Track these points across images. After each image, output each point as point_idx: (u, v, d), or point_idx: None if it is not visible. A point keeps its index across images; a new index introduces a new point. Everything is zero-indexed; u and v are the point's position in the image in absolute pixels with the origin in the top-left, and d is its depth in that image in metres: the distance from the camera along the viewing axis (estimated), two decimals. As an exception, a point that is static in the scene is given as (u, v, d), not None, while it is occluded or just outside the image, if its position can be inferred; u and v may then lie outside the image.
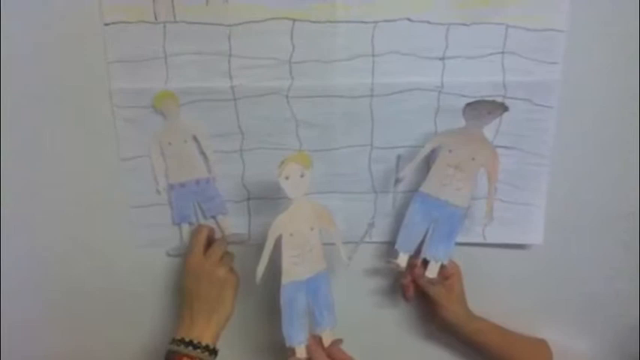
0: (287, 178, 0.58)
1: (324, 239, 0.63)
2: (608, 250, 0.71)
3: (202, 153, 0.68)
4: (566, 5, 0.63)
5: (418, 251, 0.66)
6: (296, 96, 0.66)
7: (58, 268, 0.71)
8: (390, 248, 0.69)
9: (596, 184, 0.69)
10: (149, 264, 0.71)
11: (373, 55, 0.65)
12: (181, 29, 0.63)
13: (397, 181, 0.68)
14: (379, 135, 0.67)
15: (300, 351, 0.61)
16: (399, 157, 0.67)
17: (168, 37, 0.64)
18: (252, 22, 0.63)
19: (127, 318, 0.73)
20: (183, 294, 0.64)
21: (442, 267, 0.66)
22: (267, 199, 0.69)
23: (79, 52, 0.64)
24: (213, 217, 0.70)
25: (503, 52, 0.65)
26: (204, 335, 0.61)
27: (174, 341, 0.61)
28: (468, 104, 0.61)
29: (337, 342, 0.64)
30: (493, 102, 0.60)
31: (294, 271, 0.61)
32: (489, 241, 0.70)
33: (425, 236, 0.66)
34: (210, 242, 0.67)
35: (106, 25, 0.63)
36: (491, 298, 0.70)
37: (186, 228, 0.70)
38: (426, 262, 0.66)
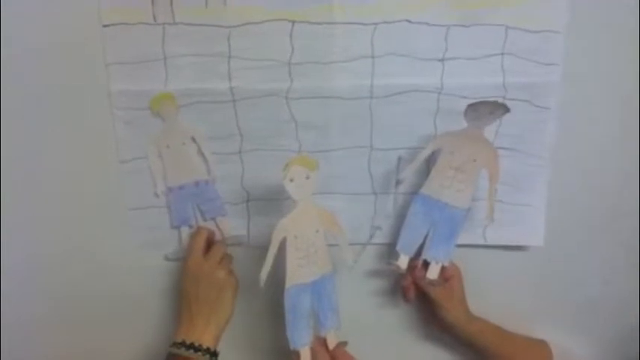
0: (292, 180, 0.58)
1: (327, 241, 0.63)
2: (609, 251, 0.71)
3: (201, 155, 0.68)
4: (566, 6, 0.63)
5: (419, 253, 0.66)
6: (295, 97, 0.65)
7: (57, 270, 0.70)
8: (390, 250, 0.69)
9: (596, 185, 0.69)
10: (148, 266, 0.71)
11: (373, 57, 0.65)
12: (180, 31, 0.63)
13: (398, 182, 0.67)
14: (378, 136, 0.67)
15: (304, 353, 0.61)
16: (399, 159, 0.67)
17: (167, 38, 0.63)
18: (251, 23, 0.63)
19: (125, 320, 0.73)
20: (182, 296, 0.64)
21: (443, 268, 0.66)
22: (267, 200, 0.69)
23: (78, 54, 0.64)
24: (213, 219, 0.70)
25: (502, 54, 0.65)
26: (203, 338, 0.61)
27: (174, 344, 0.61)
28: (470, 105, 0.61)
29: (342, 344, 0.64)
30: (494, 103, 0.60)
31: (299, 273, 0.61)
32: (490, 242, 0.70)
33: (425, 238, 0.66)
34: (209, 244, 0.67)
35: (105, 26, 0.63)
36: (491, 300, 0.70)
37: (185, 231, 0.69)
38: (426, 264, 0.66)
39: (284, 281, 0.60)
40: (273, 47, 0.64)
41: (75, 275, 0.71)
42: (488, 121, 0.62)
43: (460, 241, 0.66)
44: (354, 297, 0.71)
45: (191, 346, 0.60)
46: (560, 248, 0.71)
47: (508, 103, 0.61)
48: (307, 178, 0.59)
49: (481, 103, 0.60)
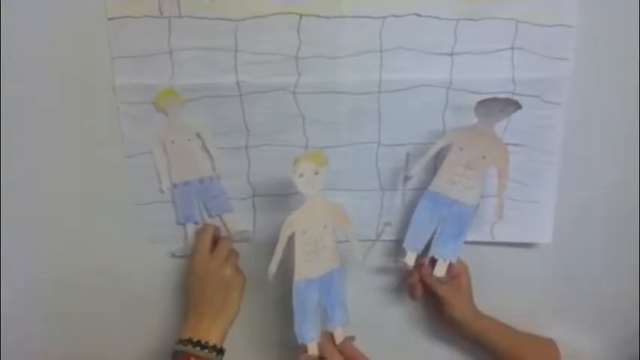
0: (301, 175, 0.58)
1: (336, 237, 0.62)
2: (618, 248, 0.70)
3: (206, 151, 0.67)
4: (576, 1, 0.62)
5: (426, 250, 0.65)
6: (302, 92, 0.65)
7: (61, 266, 0.70)
8: (398, 246, 0.68)
9: (606, 182, 0.69)
10: (153, 262, 0.70)
11: (381, 51, 0.64)
12: (186, 24, 0.62)
13: (406, 178, 0.67)
14: (386, 132, 0.67)
15: (312, 348, 0.61)
16: (408, 155, 0.66)
17: (173, 32, 0.63)
18: (258, 17, 0.62)
19: (131, 317, 0.72)
20: (188, 294, 0.64)
21: (450, 266, 0.65)
22: (273, 196, 0.68)
23: (83, 47, 0.63)
24: (219, 216, 0.69)
25: (512, 48, 0.64)
26: (210, 335, 0.61)
27: (180, 341, 0.60)
28: (480, 102, 0.60)
29: (350, 339, 0.64)
30: (506, 99, 0.59)
31: (307, 268, 0.60)
32: (498, 239, 0.70)
33: (433, 235, 0.65)
34: (215, 241, 0.66)
35: (110, 19, 0.62)
36: (499, 297, 0.69)
37: (190, 228, 0.69)
38: (434, 261, 0.65)
39: (291, 276, 0.60)
40: (281, 41, 0.63)
41: (79, 270, 0.70)
42: (498, 117, 0.61)
43: (468, 238, 0.66)
44: (360, 293, 0.71)
45: (197, 344, 0.60)
46: (569, 246, 0.70)
47: (518, 99, 0.60)
48: (316, 173, 0.59)
49: (492, 99, 0.59)
